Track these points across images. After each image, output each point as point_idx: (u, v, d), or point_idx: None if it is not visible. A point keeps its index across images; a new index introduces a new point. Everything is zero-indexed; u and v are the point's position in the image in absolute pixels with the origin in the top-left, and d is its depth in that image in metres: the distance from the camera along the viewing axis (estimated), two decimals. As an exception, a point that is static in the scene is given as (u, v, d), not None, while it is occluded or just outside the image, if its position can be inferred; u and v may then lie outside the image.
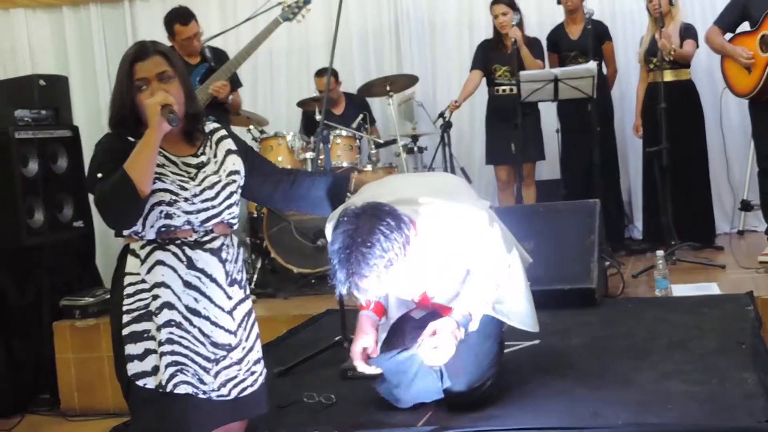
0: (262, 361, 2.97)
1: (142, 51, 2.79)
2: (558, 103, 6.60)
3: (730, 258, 5.77)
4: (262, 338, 3.02)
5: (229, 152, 2.92)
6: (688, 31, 6.33)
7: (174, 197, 2.73)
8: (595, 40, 6.64)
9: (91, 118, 8.16)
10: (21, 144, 5.89)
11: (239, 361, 2.85)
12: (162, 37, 7.86)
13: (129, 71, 2.76)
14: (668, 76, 6.22)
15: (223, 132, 2.98)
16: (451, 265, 3.16)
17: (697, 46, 6.33)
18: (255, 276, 6.47)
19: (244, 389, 2.87)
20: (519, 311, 3.30)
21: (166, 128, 2.67)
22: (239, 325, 2.87)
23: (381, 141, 6.96)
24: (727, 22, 5.87)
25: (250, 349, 2.90)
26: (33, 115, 6.01)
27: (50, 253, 5.99)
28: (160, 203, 2.71)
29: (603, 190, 6.08)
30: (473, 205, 3.19)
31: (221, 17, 8.24)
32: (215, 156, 2.89)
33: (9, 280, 5.88)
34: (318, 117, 6.23)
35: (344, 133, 6.41)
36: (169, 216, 2.73)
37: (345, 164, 6.31)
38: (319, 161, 5.48)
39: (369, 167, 6.46)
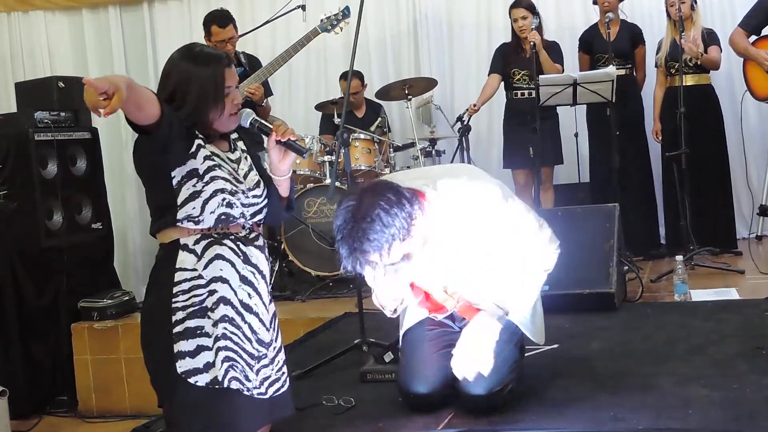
0: (286, 363, 2.98)
1: (229, 59, 2.81)
2: (586, 107, 6.59)
3: (750, 263, 5.73)
4: (280, 341, 3.04)
5: (242, 152, 2.93)
6: (711, 37, 6.27)
7: (234, 187, 2.75)
8: (629, 43, 6.63)
9: (110, 120, 8.10)
10: (40, 146, 5.94)
11: (271, 361, 2.86)
12: (179, 39, 7.95)
13: (223, 78, 2.74)
14: (689, 80, 6.17)
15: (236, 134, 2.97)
16: (472, 250, 3.14)
17: (721, 51, 6.29)
18: (272, 278, 6.46)
19: (278, 389, 2.87)
20: (525, 314, 3.28)
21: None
22: (270, 324, 2.88)
23: (399, 144, 6.97)
24: (752, 24, 5.84)
25: (279, 350, 2.91)
26: (52, 116, 6.05)
27: (68, 254, 6.03)
28: (222, 190, 2.72)
29: (636, 193, 6.15)
30: (487, 181, 3.19)
31: (239, 20, 8.22)
32: (243, 155, 2.91)
33: (27, 281, 5.91)
34: (337, 120, 6.24)
35: (362, 136, 6.41)
36: (230, 205, 2.73)
37: (363, 167, 6.31)
38: (338, 163, 5.50)
39: (387, 170, 6.46)
